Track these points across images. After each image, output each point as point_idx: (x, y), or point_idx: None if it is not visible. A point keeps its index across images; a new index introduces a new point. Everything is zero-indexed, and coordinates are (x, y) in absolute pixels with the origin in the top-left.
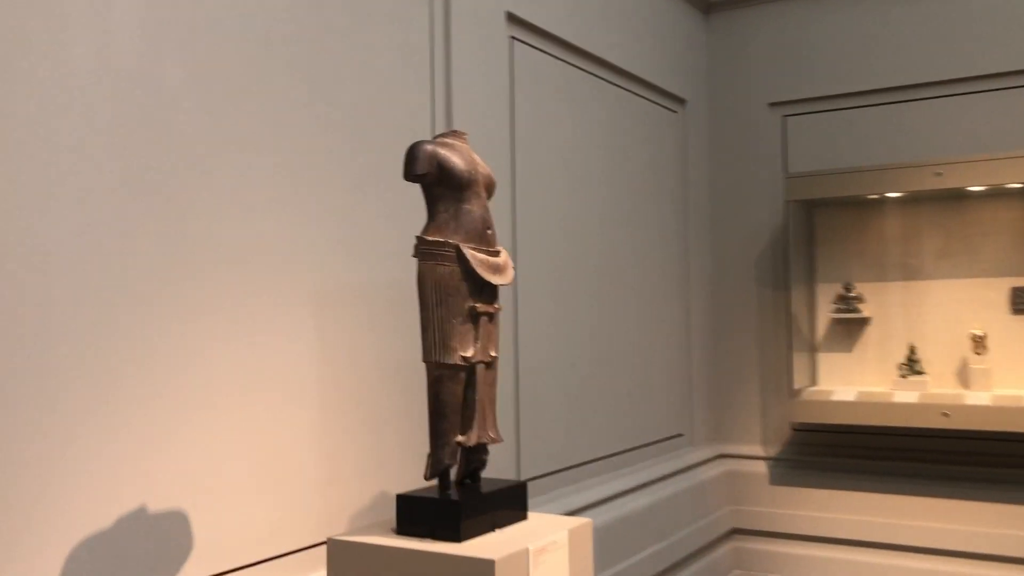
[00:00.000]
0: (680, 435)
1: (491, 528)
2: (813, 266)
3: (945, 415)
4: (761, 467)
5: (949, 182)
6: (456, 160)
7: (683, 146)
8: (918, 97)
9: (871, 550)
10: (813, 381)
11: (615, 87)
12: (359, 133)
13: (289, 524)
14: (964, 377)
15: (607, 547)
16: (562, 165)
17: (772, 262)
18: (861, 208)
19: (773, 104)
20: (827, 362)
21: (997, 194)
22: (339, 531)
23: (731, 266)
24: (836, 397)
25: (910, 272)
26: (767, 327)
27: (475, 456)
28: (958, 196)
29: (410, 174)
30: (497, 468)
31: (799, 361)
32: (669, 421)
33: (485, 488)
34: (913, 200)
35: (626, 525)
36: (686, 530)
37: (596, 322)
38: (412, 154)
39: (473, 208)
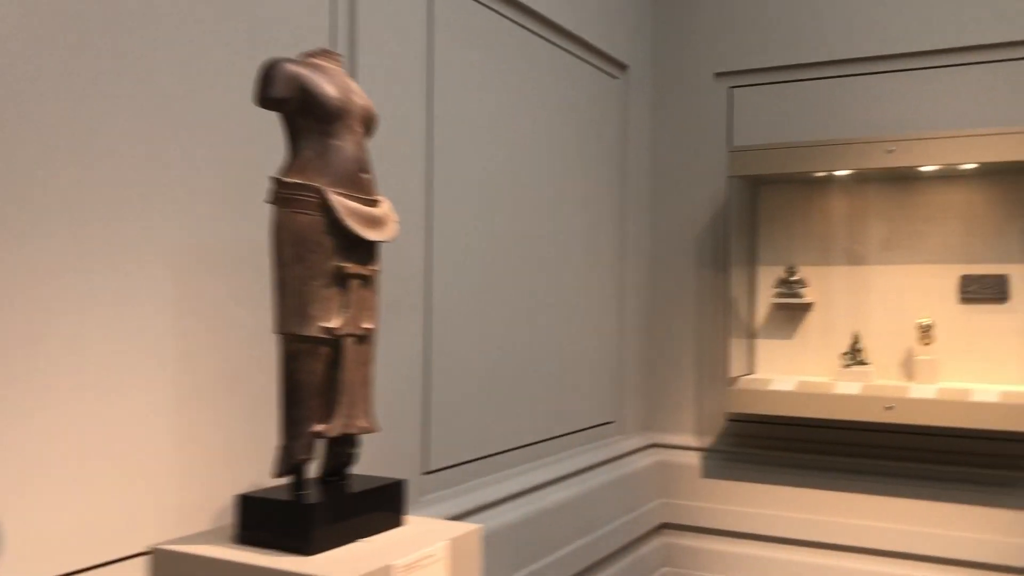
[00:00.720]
0: (610, 423)
1: (354, 537)
2: (755, 247)
3: (889, 408)
4: (694, 458)
5: (900, 160)
6: (325, 85)
7: (623, 115)
8: (872, 71)
9: (807, 549)
10: (751, 369)
11: (551, 45)
12: (234, 63)
13: (132, 525)
14: (909, 368)
15: (525, 543)
16: (487, 126)
17: (713, 242)
18: (808, 187)
19: (720, 74)
20: (767, 349)
21: (948, 176)
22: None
23: (670, 245)
24: (774, 387)
25: (856, 256)
26: (705, 311)
27: (341, 449)
28: (909, 178)
29: (265, 98)
30: (397, 459)
31: (737, 348)
32: (599, 408)
33: (352, 487)
34: (862, 180)
35: (547, 519)
36: (612, 524)
37: (520, 300)
38: (268, 74)
39: (345, 145)
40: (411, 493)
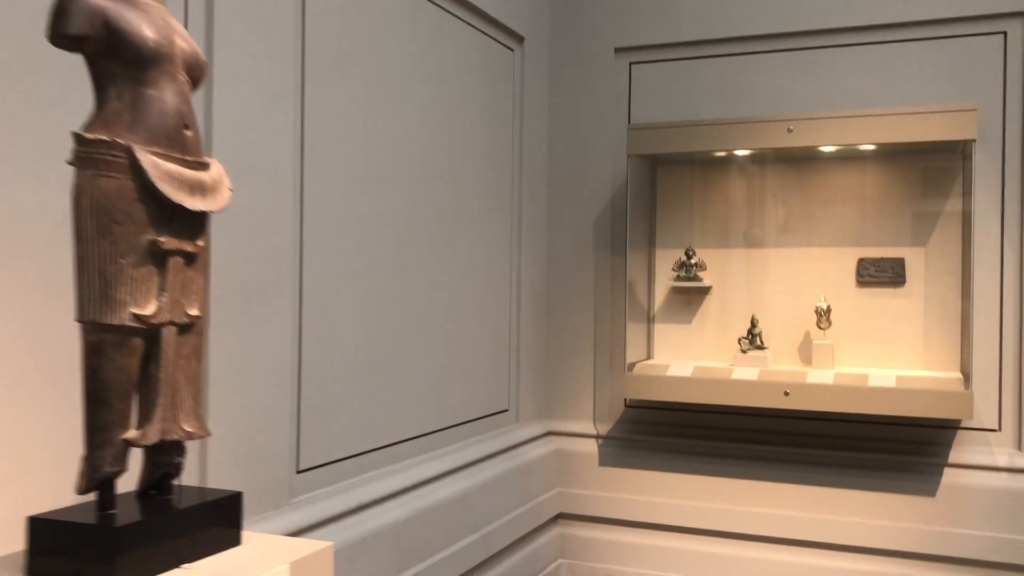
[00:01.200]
0: (504, 411)
1: (176, 562)
2: (653, 229)
3: (786, 394)
4: (591, 446)
5: (800, 139)
6: (138, 23)
7: (519, 90)
8: (774, 49)
9: (705, 538)
10: (649, 354)
11: (441, 11)
12: None
13: None
14: (807, 353)
15: (411, 542)
16: (368, 96)
17: (611, 223)
18: (707, 167)
19: (620, 49)
20: (665, 334)
21: (848, 157)
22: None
23: (568, 226)
24: (671, 372)
25: (755, 239)
26: (603, 294)
27: (163, 458)
28: (808, 159)
29: (57, 34)
30: (266, 458)
31: (635, 332)
32: (491, 396)
33: (176, 503)
34: (762, 161)
35: (436, 515)
36: (507, 517)
37: (404, 283)
38: (62, 5)
39: (163, 96)
40: (282, 494)
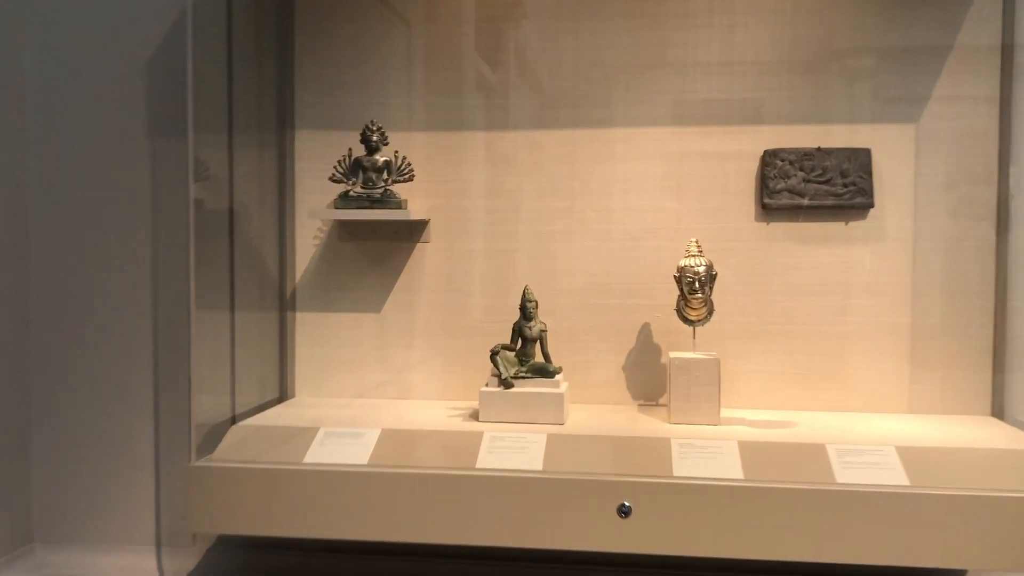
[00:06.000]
0: None
1: None
2: (286, 86)
3: (622, 512)
4: None
5: None
6: None
7: None
8: None
9: None
10: (283, 390)
11: None
12: None
13: None
14: (654, 382)
15: None
16: None
17: (169, 78)
18: None
19: None
20: (322, 339)
21: None
22: None
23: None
24: (315, 455)
25: (526, 111)
26: (164, 250)
27: None
28: None
29: None
30: None
31: (243, 342)
32: None
33: None
34: None
35: None
36: None
37: None
38: None
39: None
40: None
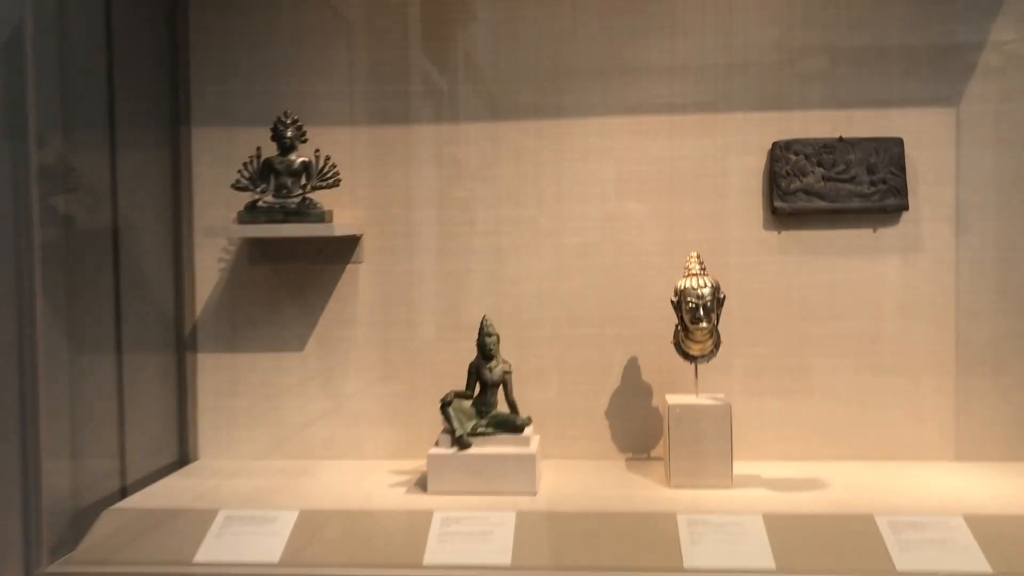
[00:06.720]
0: None
1: None
2: (173, 71)
3: None
4: None
5: None
6: None
7: None
8: None
9: None
10: (185, 452)
11: None
12: None
13: None
14: (647, 433)
15: None
16: None
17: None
18: None
19: None
20: (230, 386)
21: None
22: None
23: None
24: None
25: (484, 97)
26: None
27: None
28: None
29: None
30: None
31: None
32: None
33: None
34: None
35: None
36: None
37: None
38: None
39: None
40: None
